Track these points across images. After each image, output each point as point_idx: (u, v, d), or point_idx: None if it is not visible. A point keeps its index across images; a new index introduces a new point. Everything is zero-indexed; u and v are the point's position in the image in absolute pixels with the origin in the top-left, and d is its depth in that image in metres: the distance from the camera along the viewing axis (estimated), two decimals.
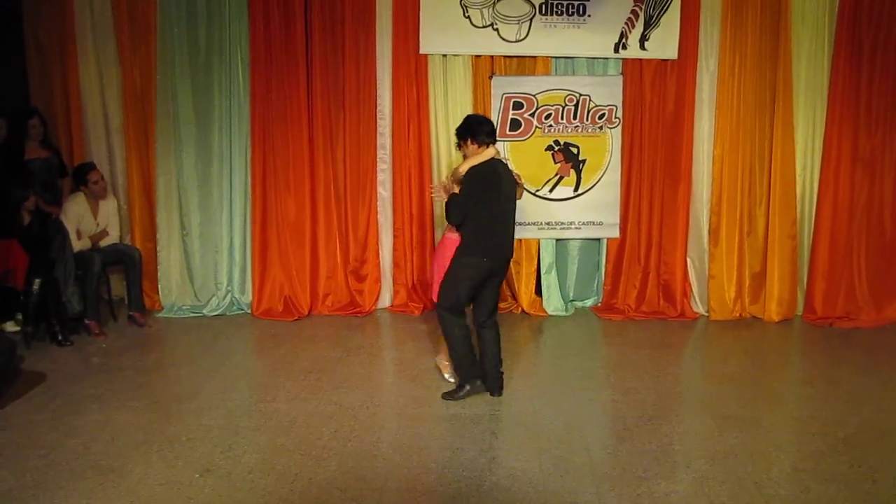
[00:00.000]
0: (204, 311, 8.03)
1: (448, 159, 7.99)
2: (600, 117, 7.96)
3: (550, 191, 8.03)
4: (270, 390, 5.97)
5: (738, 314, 8.13)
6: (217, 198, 8.03)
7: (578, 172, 8.03)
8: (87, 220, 7.46)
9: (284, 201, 7.99)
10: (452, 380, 6.00)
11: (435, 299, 5.83)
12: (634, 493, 4.37)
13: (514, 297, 8.28)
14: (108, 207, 7.66)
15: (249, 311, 8.10)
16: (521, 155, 7.90)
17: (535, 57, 7.94)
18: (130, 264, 7.62)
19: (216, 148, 7.96)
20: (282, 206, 8.00)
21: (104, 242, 7.58)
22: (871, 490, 4.41)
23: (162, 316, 7.95)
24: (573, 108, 7.93)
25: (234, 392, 5.90)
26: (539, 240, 8.13)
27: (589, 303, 8.50)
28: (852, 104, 7.78)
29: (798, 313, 8.18)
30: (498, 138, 7.53)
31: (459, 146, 5.86)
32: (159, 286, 8.10)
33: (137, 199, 8.08)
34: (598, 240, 8.31)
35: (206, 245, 8.10)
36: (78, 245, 7.28)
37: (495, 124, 7.33)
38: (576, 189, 8.05)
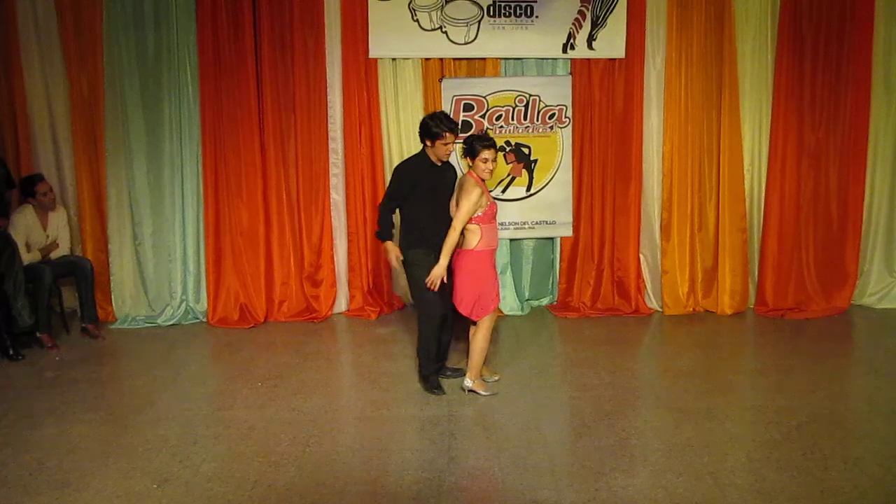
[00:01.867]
0: (158, 321, 7.96)
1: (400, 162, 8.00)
2: (550, 117, 8.02)
3: (503, 191, 8.07)
4: (228, 398, 5.93)
5: (691, 308, 8.23)
6: (169, 206, 7.96)
7: (530, 172, 8.09)
8: (36, 233, 7.36)
9: (237, 208, 7.95)
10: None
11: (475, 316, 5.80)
12: (593, 488, 4.40)
13: None
14: (58, 219, 7.57)
15: (205, 320, 8.05)
16: None
17: (484, 59, 7.99)
18: (82, 276, 7.52)
19: (167, 156, 7.89)
20: (234, 213, 7.95)
21: (55, 254, 7.49)
22: (822, 477, 4.49)
23: (116, 327, 7.88)
24: (523, 108, 7.98)
25: (191, 401, 5.85)
26: None
27: (545, 301, 8.57)
28: (796, 99, 7.92)
29: (750, 306, 8.31)
30: None
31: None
32: (112, 297, 8.01)
33: (88, 209, 8.00)
34: (552, 239, 8.38)
35: (159, 254, 8.02)
36: (27, 258, 7.17)
37: None
38: (528, 189, 8.10)
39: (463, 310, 5.75)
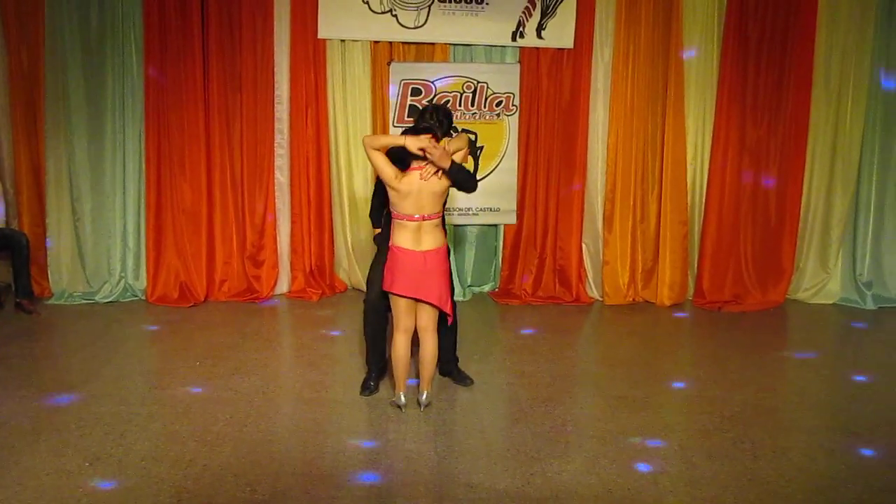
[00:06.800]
0: (96, 298, 7.85)
1: (346, 145, 8.00)
2: (497, 105, 8.05)
3: None
4: (165, 377, 5.87)
5: (631, 299, 8.34)
6: (110, 182, 7.85)
7: (476, 159, 8.10)
8: None
9: (180, 186, 7.85)
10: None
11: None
12: (528, 473, 4.44)
13: None
14: None
15: (144, 298, 7.95)
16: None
17: (433, 44, 7.99)
18: (17, 249, 7.38)
19: (109, 131, 7.76)
20: (177, 191, 7.86)
21: None
22: (751, 465, 4.59)
23: (52, 303, 7.75)
24: (471, 95, 7.99)
25: (127, 379, 5.78)
26: None
27: (486, 288, 8.61)
28: (739, 95, 8.04)
29: (689, 297, 8.44)
30: (395, 124, 7.62)
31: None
32: (49, 272, 7.88)
33: (25, 182, 7.83)
34: (496, 226, 8.42)
35: (98, 230, 7.90)
36: None
37: (393, 110, 7.45)
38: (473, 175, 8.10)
39: (447, 308, 5.38)
